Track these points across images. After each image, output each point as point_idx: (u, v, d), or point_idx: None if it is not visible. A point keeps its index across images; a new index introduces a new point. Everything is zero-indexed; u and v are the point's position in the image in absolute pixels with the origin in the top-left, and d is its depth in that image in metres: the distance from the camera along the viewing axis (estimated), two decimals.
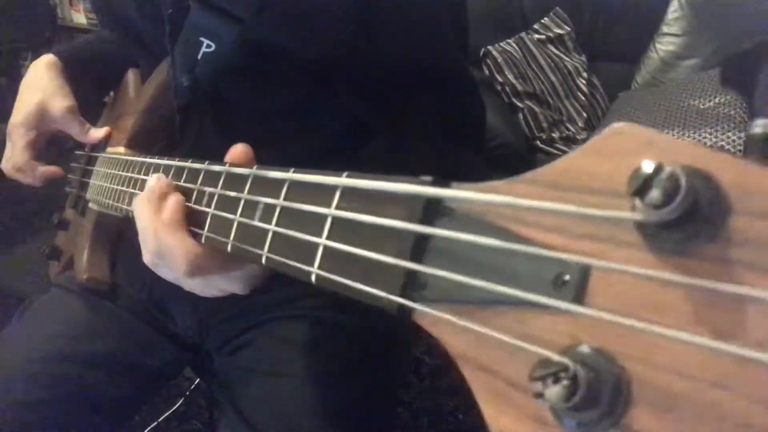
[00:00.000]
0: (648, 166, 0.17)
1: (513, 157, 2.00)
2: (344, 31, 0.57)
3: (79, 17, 2.62)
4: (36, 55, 0.87)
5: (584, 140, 2.15)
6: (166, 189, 0.50)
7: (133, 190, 0.63)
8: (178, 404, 1.57)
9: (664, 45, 2.13)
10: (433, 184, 0.25)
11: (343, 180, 0.31)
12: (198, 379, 1.54)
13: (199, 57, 0.58)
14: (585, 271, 0.19)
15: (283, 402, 0.69)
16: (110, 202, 0.70)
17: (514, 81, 2.18)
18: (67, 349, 0.77)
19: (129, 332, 0.80)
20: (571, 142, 2.18)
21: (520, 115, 2.18)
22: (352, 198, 0.30)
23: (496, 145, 1.95)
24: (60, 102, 0.82)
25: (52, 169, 0.87)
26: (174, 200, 0.49)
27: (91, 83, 0.89)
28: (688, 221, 0.17)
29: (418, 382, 1.70)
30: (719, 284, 0.16)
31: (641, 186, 0.17)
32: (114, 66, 0.90)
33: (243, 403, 0.71)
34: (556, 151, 2.17)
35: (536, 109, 2.18)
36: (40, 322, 0.82)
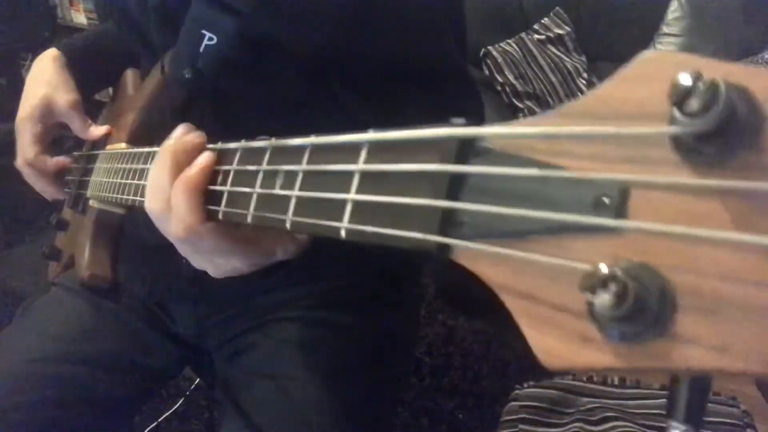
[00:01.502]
0: (686, 78, 0.17)
1: None
2: (342, 26, 0.58)
3: (79, 17, 2.61)
4: (36, 56, 0.88)
5: None
6: (197, 147, 0.49)
7: (137, 182, 0.63)
8: (178, 404, 1.57)
9: (664, 45, 2.14)
10: (466, 125, 0.25)
11: (369, 135, 0.31)
12: (198, 379, 1.54)
13: (201, 50, 0.58)
14: (624, 191, 0.20)
15: (285, 403, 0.69)
16: (113, 195, 0.70)
17: (514, 81, 2.18)
18: (68, 349, 0.77)
19: (129, 331, 0.81)
20: None
21: (520, 115, 2.19)
22: (380, 152, 0.31)
23: None
24: (65, 95, 0.82)
25: (62, 160, 0.87)
26: (203, 160, 0.47)
27: (94, 77, 0.90)
28: (724, 132, 0.17)
29: (418, 382, 1.70)
30: (757, 184, 0.17)
31: (682, 95, 0.17)
32: (116, 60, 0.90)
33: (246, 405, 0.71)
34: None
35: (536, 109, 2.19)
36: (40, 322, 0.82)
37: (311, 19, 0.58)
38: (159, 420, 1.53)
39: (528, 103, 2.19)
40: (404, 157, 0.28)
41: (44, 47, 0.88)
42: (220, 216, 0.46)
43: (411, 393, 1.67)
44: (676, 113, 0.18)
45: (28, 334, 0.81)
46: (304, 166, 0.38)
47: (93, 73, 0.89)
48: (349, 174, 0.32)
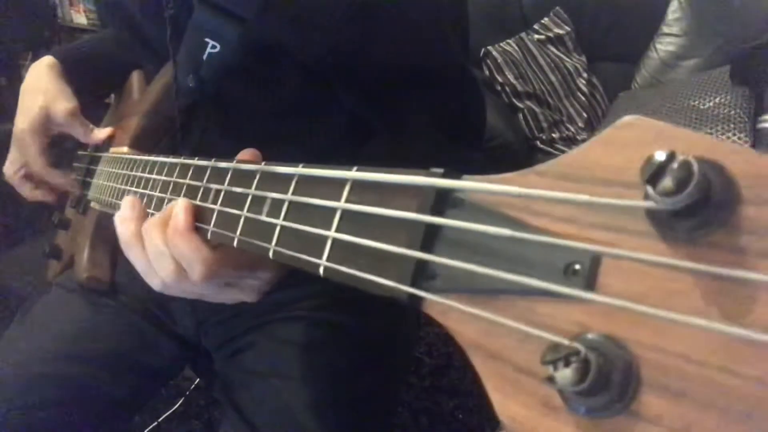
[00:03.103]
0: (661, 155, 0.17)
1: (513, 158, 2.00)
2: (345, 30, 0.58)
3: (79, 17, 2.61)
4: (36, 55, 0.87)
5: (584, 140, 2.15)
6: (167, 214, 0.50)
7: (137, 189, 0.63)
8: (178, 404, 1.57)
9: (664, 45, 2.13)
10: (444, 176, 0.25)
11: (353, 174, 0.31)
12: (198, 379, 1.54)
13: (204, 57, 0.58)
14: (596, 260, 0.19)
15: (284, 403, 0.69)
16: (114, 200, 0.70)
17: (514, 81, 2.18)
18: (68, 349, 0.77)
19: (130, 331, 0.81)
20: (571, 142, 2.18)
21: (520, 115, 2.18)
22: (362, 191, 0.31)
23: (496, 145, 1.95)
24: (63, 104, 0.81)
25: (69, 182, 0.87)
26: (182, 205, 0.48)
27: (92, 84, 0.89)
28: (698, 210, 0.17)
29: (418, 382, 1.70)
30: (729, 270, 0.16)
31: (654, 174, 0.17)
32: (114, 67, 0.90)
33: (245, 405, 0.71)
34: (555, 152, 2.17)
35: (536, 109, 2.18)
36: (41, 322, 0.82)
37: (315, 24, 0.58)
38: (159, 420, 1.53)
39: (528, 103, 2.19)
40: (384, 200, 0.28)
41: (44, 47, 0.87)
42: (209, 236, 0.47)
43: (411, 393, 1.67)
44: (650, 190, 0.17)
45: (28, 334, 0.81)
46: (290, 195, 0.38)
47: (90, 80, 0.89)
48: (331, 210, 0.32)
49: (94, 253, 0.79)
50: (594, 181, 0.20)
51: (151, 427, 1.50)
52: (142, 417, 1.48)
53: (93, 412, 0.77)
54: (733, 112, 1.73)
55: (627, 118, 0.20)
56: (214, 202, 0.47)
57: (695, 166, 0.16)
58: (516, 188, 0.21)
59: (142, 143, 0.77)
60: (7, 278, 1.92)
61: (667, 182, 0.17)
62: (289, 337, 0.73)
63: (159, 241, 0.48)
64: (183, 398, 1.57)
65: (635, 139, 0.19)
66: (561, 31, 2.23)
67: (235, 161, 0.47)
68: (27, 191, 0.89)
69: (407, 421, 1.61)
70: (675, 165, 0.17)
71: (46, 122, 0.82)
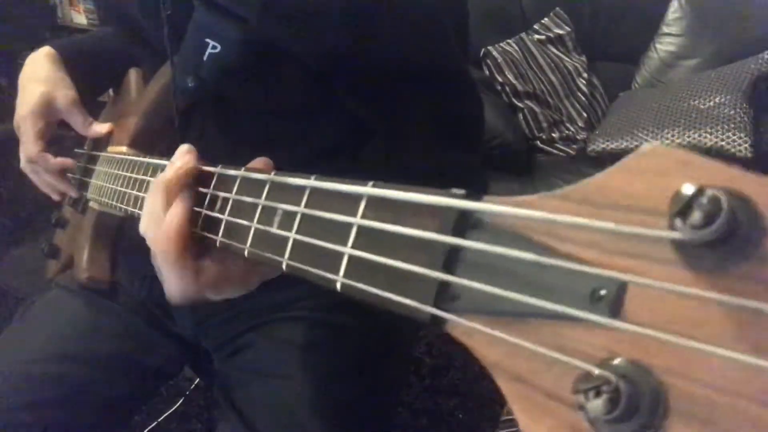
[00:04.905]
0: (689, 188, 0.17)
1: (513, 157, 2.00)
2: (346, 30, 0.58)
3: (79, 17, 2.60)
4: None
5: (584, 140, 2.16)
6: (185, 180, 0.48)
7: (137, 192, 0.63)
8: (178, 404, 1.57)
9: (664, 45, 2.14)
10: (467, 197, 0.25)
11: (369, 189, 0.31)
12: (198, 379, 1.54)
13: (205, 58, 0.58)
14: (621, 287, 0.20)
15: (283, 403, 0.69)
16: (112, 202, 0.70)
17: (514, 81, 2.18)
18: (68, 349, 0.77)
19: (129, 331, 0.81)
20: (571, 142, 2.18)
21: (520, 115, 2.19)
22: (378, 207, 0.30)
23: (496, 145, 1.96)
24: (64, 92, 0.81)
25: (64, 161, 0.86)
26: (179, 212, 0.47)
27: (89, 79, 0.88)
28: (725, 241, 0.17)
29: (418, 382, 1.71)
30: (756, 303, 0.17)
31: (683, 207, 0.17)
32: (113, 64, 0.89)
33: (243, 405, 0.71)
34: (556, 151, 2.18)
35: (536, 109, 2.19)
36: (40, 322, 0.82)
37: (316, 24, 0.58)
38: (159, 420, 1.53)
39: (528, 102, 2.19)
40: (402, 217, 0.28)
41: None
42: (218, 245, 0.46)
43: (411, 393, 1.67)
44: (678, 222, 0.17)
45: (28, 334, 0.81)
46: (302, 208, 0.37)
47: (87, 75, 0.88)
48: (347, 226, 0.32)
49: (94, 253, 0.79)
50: (617, 208, 0.20)
51: (151, 427, 1.50)
52: (141, 417, 1.48)
53: (92, 413, 0.77)
54: (733, 112, 1.73)
55: (649, 146, 0.20)
56: (222, 211, 0.46)
57: (724, 201, 0.17)
58: (540, 213, 0.22)
59: (140, 143, 0.76)
60: (7, 278, 1.92)
61: (696, 216, 0.17)
62: (289, 337, 0.73)
63: (158, 208, 0.48)
64: (183, 398, 1.57)
65: (658, 167, 0.19)
66: (561, 31, 2.23)
67: (243, 169, 0.46)
68: (36, 179, 0.88)
69: (407, 421, 1.61)
70: (704, 199, 0.17)
71: (47, 108, 0.81)
